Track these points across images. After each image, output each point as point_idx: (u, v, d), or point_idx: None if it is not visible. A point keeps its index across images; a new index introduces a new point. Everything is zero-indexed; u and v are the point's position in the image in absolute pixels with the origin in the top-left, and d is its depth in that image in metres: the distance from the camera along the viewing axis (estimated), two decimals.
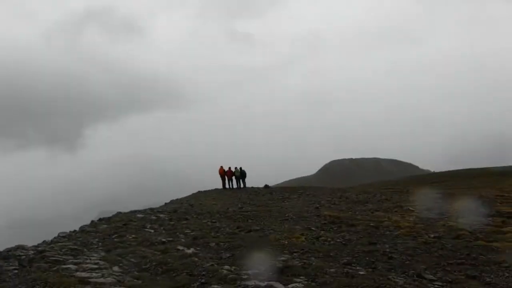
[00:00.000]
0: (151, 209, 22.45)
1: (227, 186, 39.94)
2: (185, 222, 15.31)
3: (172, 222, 15.10)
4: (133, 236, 11.99)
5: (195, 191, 44.82)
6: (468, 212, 16.62)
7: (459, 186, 42.19)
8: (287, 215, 17.65)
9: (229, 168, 39.96)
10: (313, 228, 14.17)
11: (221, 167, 39.99)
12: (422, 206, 20.06)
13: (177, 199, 34.33)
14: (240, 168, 40.24)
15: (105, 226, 14.95)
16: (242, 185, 40.14)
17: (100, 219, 19.35)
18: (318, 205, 22.34)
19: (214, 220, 16.29)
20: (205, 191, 40.04)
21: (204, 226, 14.29)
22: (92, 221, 18.61)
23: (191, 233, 12.67)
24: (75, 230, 14.05)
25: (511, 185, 35.71)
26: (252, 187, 43.11)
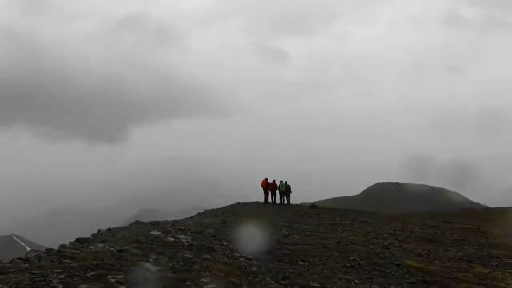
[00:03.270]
0: (174, 223, 18.08)
1: (269, 200, 35.31)
2: (207, 256, 10.57)
3: (189, 256, 10.42)
4: (117, 279, 7.47)
5: (232, 199, 40.59)
6: None
7: None
8: (351, 257, 12.57)
9: (274, 181, 35.29)
10: None
11: (266, 179, 35.42)
12: None
13: (212, 210, 30.09)
14: (286, 182, 35.54)
15: (98, 246, 10.60)
16: (285, 201, 35.41)
17: (109, 229, 15.24)
18: (385, 243, 17.07)
19: (250, 257, 11.52)
20: (244, 203, 35.71)
21: (232, 268, 9.52)
22: (96, 232, 14.49)
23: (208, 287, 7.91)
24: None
25: None
26: (296, 205, 38.35)
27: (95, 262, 8.41)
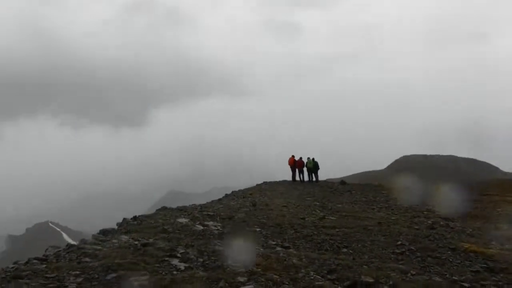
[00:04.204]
0: (202, 208, 17.17)
1: (297, 178, 34.11)
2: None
3: (220, 247, 9.36)
4: (140, 281, 6.50)
5: (259, 179, 39.55)
6: None
7: None
8: (399, 242, 11.31)
9: (300, 158, 33.97)
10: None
11: (292, 156, 34.15)
12: None
13: (239, 191, 29.14)
14: (313, 159, 34.13)
15: (122, 238, 9.70)
16: (314, 179, 34.11)
17: (134, 218, 14.39)
18: (430, 222, 15.70)
19: (287, 245, 10.42)
20: (271, 182, 34.61)
21: (270, 261, 8.42)
22: (122, 221, 13.70)
23: (247, 284, 6.83)
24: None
25: None
26: (325, 181, 37.01)
27: (117, 261, 7.47)
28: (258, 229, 12.23)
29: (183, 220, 13.05)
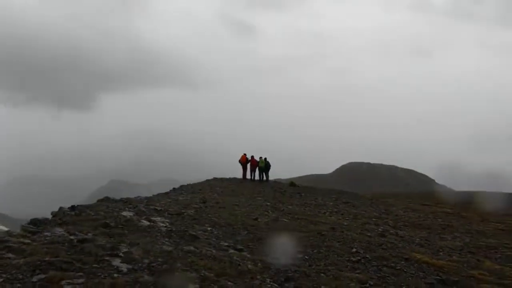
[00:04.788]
0: (149, 201, 16.10)
1: (247, 176, 33.64)
2: (191, 248, 8.68)
3: (169, 247, 8.48)
4: (73, 284, 5.55)
5: (208, 174, 38.66)
6: None
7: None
8: (354, 249, 11.02)
9: (252, 157, 33.51)
10: None
11: (244, 154, 33.62)
12: None
13: (187, 186, 28.11)
14: (265, 159, 33.88)
15: (56, 231, 8.55)
16: (264, 178, 33.84)
17: (72, 207, 13.03)
18: (380, 230, 15.74)
19: (240, 247, 9.74)
20: (221, 179, 33.89)
21: (223, 265, 7.71)
22: (57, 211, 12.35)
23: None
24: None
25: None
26: (274, 181, 36.88)
27: (47, 259, 6.43)
28: (209, 228, 11.47)
29: (127, 213, 11.99)
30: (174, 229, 10.55)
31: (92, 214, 11.52)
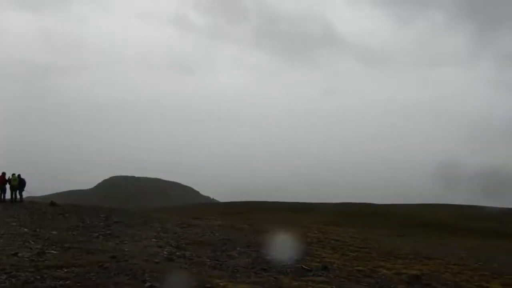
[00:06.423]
0: None
1: None
2: None
3: None
4: None
5: None
6: None
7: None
8: (147, 283, 9.81)
9: (3, 173, 27.59)
10: None
11: None
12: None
13: None
14: (19, 175, 28.46)
15: None
16: (18, 198, 28.31)
17: None
18: (165, 253, 14.82)
19: None
20: None
21: None
22: None
23: None
24: None
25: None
26: (30, 201, 31.34)
27: None
28: None
29: None
30: None
31: None
